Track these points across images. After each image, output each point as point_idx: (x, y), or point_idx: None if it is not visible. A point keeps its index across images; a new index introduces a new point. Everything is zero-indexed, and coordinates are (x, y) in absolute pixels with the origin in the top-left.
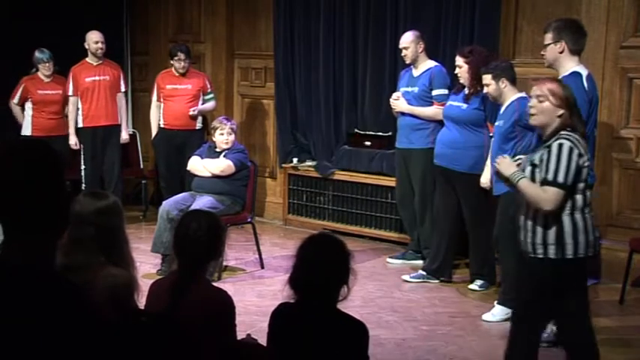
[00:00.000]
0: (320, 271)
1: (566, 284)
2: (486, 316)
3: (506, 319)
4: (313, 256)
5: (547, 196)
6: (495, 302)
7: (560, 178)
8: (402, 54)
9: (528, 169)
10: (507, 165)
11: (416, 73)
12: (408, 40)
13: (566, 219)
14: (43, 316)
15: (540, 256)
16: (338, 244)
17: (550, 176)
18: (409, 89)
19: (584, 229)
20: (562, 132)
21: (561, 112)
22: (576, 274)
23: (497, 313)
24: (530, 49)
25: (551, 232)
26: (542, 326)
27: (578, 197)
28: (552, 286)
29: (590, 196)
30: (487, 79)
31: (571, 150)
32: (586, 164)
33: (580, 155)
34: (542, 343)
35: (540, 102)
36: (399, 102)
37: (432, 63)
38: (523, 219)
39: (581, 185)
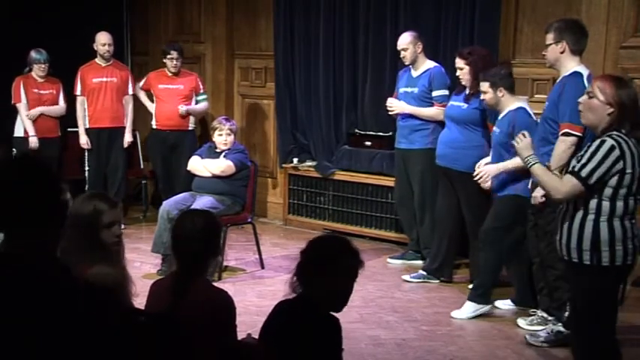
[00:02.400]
0: (322, 271)
1: (599, 292)
2: (455, 314)
3: (475, 317)
4: (315, 257)
5: (560, 185)
6: (467, 299)
7: (584, 173)
8: (401, 55)
9: (572, 162)
10: (526, 146)
11: (415, 73)
12: (406, 41)
13: (603, 225)
14: (43, 314)
15: (575, 260)
16: (340, 246)
17: (576, 167)
18: (409, 90)
19: (622, 237)
20: (613, 132)
21: (611, 110)
22: (611, 282)
23: (466, 309)
24: (530, 50)
25: (587, 238)
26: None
27: (619, 204)
28: (588, 292)
29: (634, 205)
30: (485, 86)
31: (611, 149)
32: (628, 171)
33: (620, 158)
34: (543, 343)
35: (590, 98)
36: (399, 104)
37: (431, 63)
38: (560, 220)
39: (623, 191)
